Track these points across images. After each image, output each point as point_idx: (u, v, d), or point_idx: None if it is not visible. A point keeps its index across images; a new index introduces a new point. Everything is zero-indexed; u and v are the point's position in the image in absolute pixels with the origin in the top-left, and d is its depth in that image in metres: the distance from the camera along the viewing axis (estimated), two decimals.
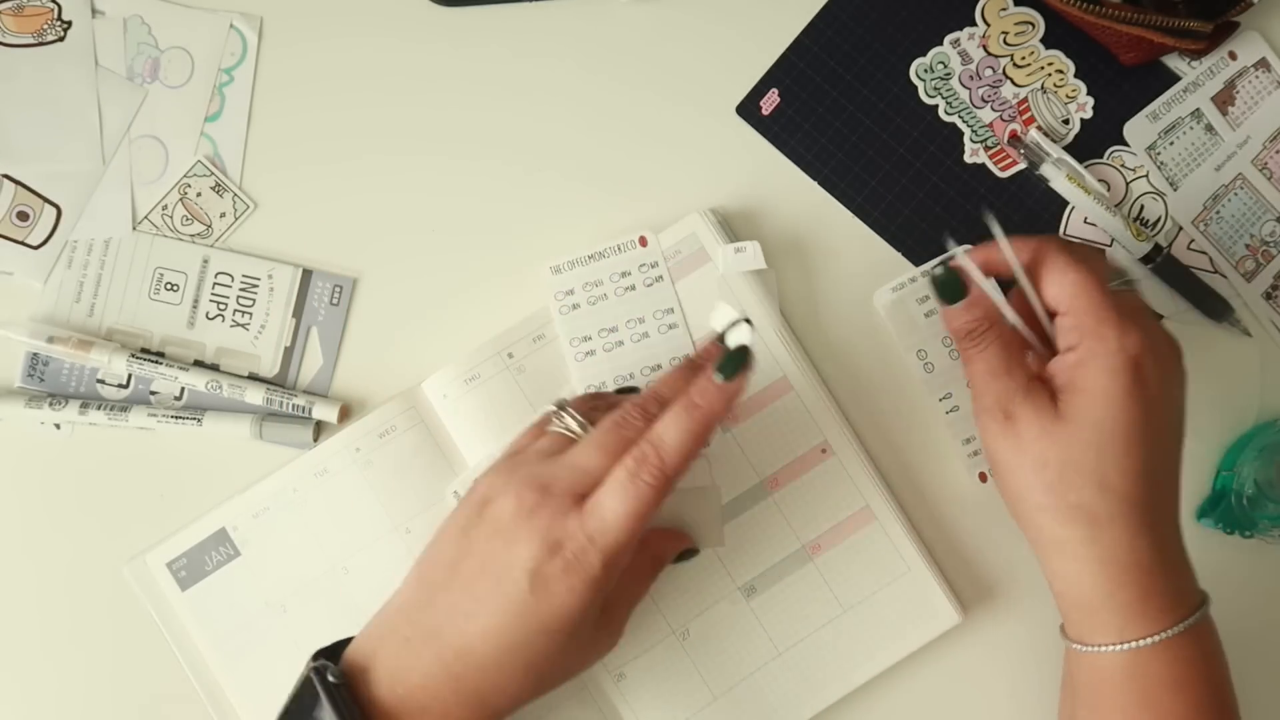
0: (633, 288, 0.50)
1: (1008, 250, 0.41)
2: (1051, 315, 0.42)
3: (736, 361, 0.39)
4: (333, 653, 0.41)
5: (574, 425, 0.42)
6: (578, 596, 0.37)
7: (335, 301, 0.52)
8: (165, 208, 0.52)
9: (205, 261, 0.52)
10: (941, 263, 0.43)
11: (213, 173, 0.52)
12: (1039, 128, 0.52)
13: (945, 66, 0.53)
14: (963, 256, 0.42)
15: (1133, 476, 0.39)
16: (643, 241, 0.50)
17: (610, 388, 0.50)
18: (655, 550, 0.45)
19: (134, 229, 0.52)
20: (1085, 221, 0.52)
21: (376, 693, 0.39)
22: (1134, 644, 0.40)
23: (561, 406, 0.42)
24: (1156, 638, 0.40)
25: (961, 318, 0.42)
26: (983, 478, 0.51)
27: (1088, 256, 0.41)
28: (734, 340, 0.40)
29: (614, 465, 0.38)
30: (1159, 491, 0.41)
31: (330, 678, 0.39)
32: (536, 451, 0.41)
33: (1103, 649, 0.40)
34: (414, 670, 0.39)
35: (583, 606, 0.37)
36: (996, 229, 0.42)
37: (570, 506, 0.38)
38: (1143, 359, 0.39)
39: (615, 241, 0.50)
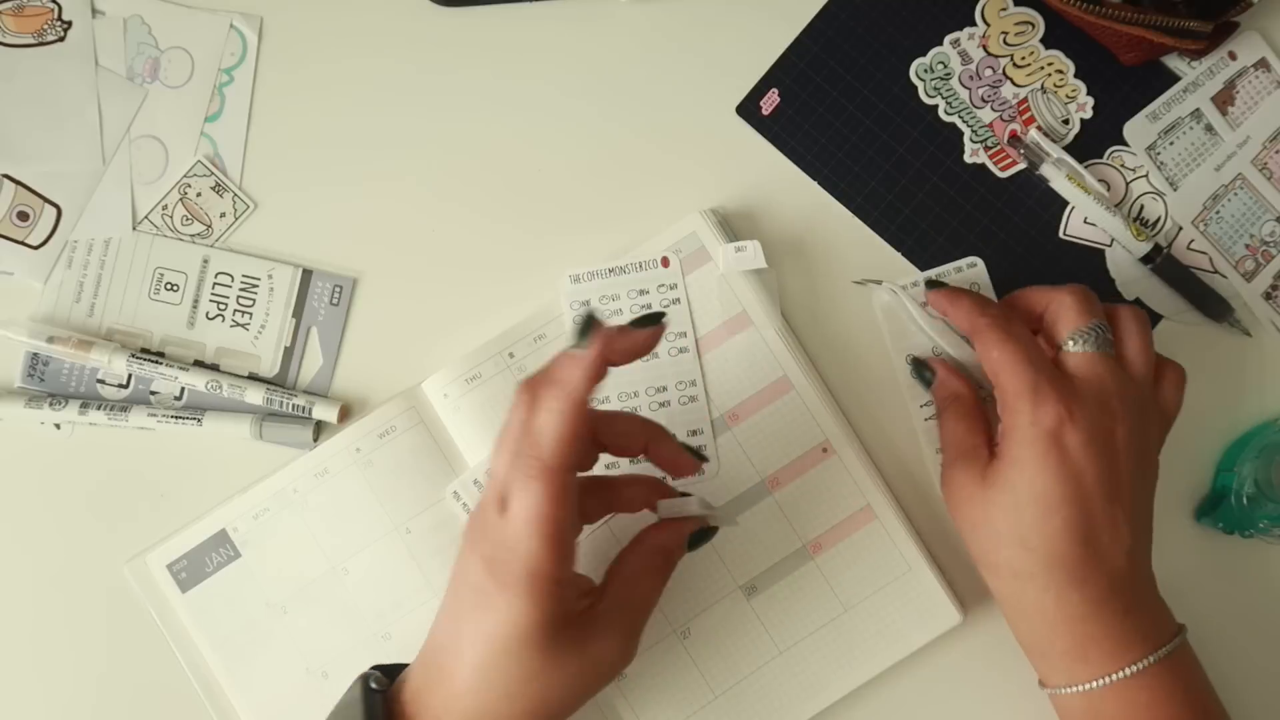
0: (649, 306, 0.50)
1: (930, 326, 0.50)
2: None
3: (584, 327, 0.37)
4: (390, 672, 0.42)
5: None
6: (517, 608, 0.36)
7: (335, 301, 0.52)
8: (165, 208, 0.52)
9: (205, 261, 0.52)
10: (914, 360, 0.50)
11: (213, 173, 0.52)
12: (1039, 128, 0.52)
13: (945, 66, 0.53)
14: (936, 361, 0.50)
15: (1053, 538, 0.42)
16: (665, 262, 0.50)
17: (614, 403, 0.50)
18: (656, 543, 0.42)
19: (134, 229, 0.52)
20: (1085, 221, 0.52)
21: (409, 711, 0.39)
22: (1083, 687, 0.42)
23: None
24: (1105, 680, 0.42)
25: (936, 394, 0.49)
26: None
27: (1022, 332, 0.44)
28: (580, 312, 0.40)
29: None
30: (1093, 548, 0.42)
31: (373, 684, 0.40)
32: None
33: (1059, 690, 0.44)
34: (429, 709, 0.39)
35: (528, 618, 0.36)
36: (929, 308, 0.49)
37: (494, 518, 0.37)
38: (1059, 430, 0.41)
39: (637, 259, 0.50)
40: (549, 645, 0.37)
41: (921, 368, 0.50)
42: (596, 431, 0.41)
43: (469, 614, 0.37)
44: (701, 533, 0.43)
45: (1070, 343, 0.44)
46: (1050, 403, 0.41)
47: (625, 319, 0.49)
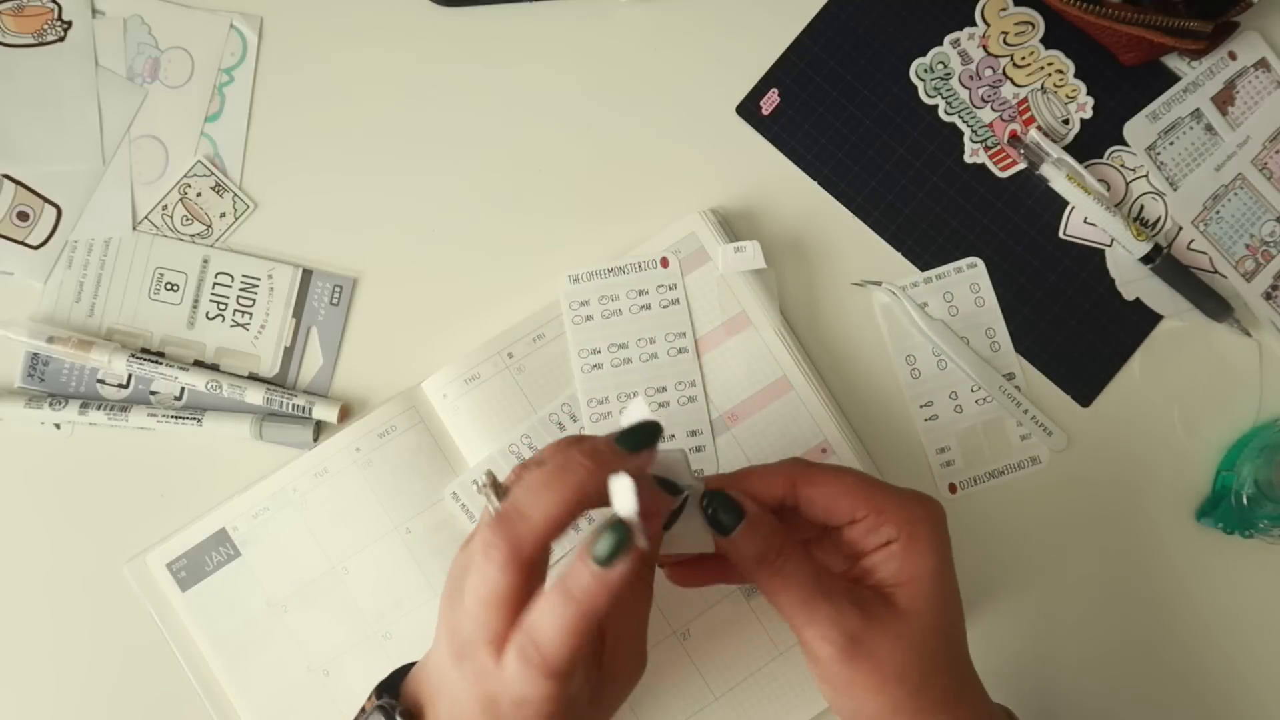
0: (648, 307, 0.50)
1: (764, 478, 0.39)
2: (816, 533, 0.40)
3: (615, 546, 0.32)
4: (392, 684, 0.40)
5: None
6: None
7: (335, 301, 0.52)
8: (165, 208, 0.52)
9: (205, 261, 0.52)
10: (705, 491, 0.38)
11: (213, 173, 0.52)
12: (1039, 128, 0.52)
13: (945, 66, 0.53)
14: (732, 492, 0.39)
15: (963, 639, 0.39)
16: (664, 263, 0.50)
17: (613, 403, 0.50)
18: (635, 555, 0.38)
19: (134, 229, 0.52)
20: (1085, 221, 0.52)
21: None
22: None
23: (490, 483, 0.37)
24: None
25: (749, 545, 0.37)
26: (952, 489, 0.51)
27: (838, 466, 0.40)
28: (622, 507, 0.32)
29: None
30: (970, 666, 0.40)
31: (400, 718, 0.37)
32: (461, 566, 0.37)
33: None
34: None
35: None
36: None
37: (489, 659, 0.34)
38: (943, 523, 0.39)
39: (637, 259, 0.50)
40: None
41: (720, 508, 0.37)
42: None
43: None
44: (672, 514, 0.38)
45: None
46: (929, 498, 0.39)
47: (624, 319, 0.50)
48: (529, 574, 0.34)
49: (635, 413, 0.36)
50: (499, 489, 0.36)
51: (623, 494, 0.32)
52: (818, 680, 0.39)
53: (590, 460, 0.34)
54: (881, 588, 0.38)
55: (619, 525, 0.32)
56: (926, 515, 0.38)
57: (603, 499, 0.34)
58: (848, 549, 0.39)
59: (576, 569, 0.33)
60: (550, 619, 0.33)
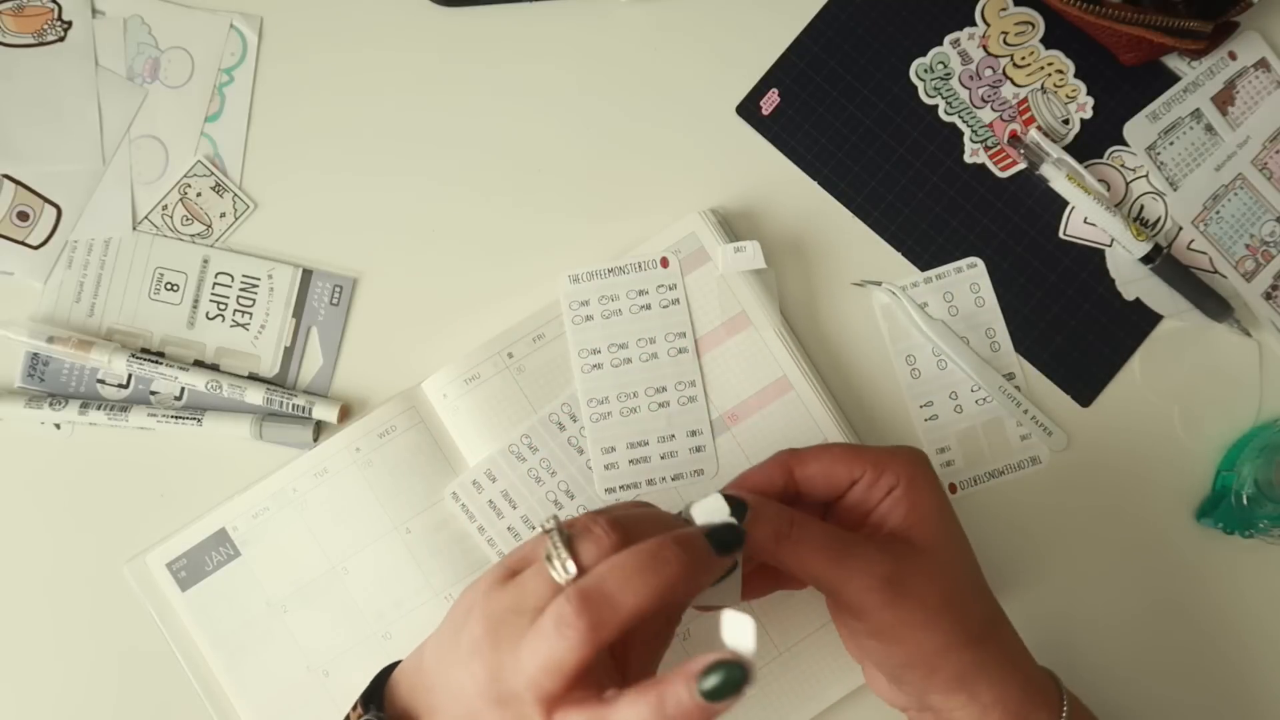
0: (648, 307, 0.50)
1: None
2: (830, 504, 0.42)
3: (729, 687, 0.30)
4: (375, 691, 0.39)
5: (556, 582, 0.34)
6: None
7: (335, 301, 0.52)
8: (165, 208, 0.52)
9: (205, 261, 0.52)
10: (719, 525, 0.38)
11: (213, 173, 0.52)
12: (1039, 128, 0.52)
13: (945, 66, 0.53)
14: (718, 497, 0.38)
15: (978, 566, 0.41)
16: (664, 263, 0.50)
17: (613, 403, 0.50)
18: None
19: (134, 229, 0.52)
20: (1085, 221, 0.52)
21: None
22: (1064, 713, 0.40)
23: (559, 534, 0.35)
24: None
25: (761, 531, 0.37)
26: (952, 489, 0.51)
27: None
28: (742, 644, 0.31)
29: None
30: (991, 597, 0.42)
31: None
32: (507, 608, 0.35)
33: None
34: None
35: None
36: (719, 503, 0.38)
37: (536, 716, 0.33)
38: (930, 465, 0.41)
39: (637, 259, 0.50)
40: None
41: (728, 502, 0.37)
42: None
43: None
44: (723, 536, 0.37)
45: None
46: (909, 447, 0.41)
47: (624, 319, 0.50)
48: (599, 654, 0.33)
49: (711, 507, 0.36)
50: (566, 539, 0.34)
51: (742, 631, 0.31)
52: (860, 640, 0.40)
53: (686, 555, 0.33)
54: (897, 533, 0.39)
55: (736, 666, 0.30)
56: (918, 459, 0.41)
57: (689, 594, 0.34)
58: (853, 511, 0.41)
59: (679, 690, 0.31)
60: None
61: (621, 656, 0.37)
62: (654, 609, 0.32)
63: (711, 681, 0.31)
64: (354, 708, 0.38)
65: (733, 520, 0.36)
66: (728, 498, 0.37)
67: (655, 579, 0.32)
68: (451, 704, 0.35)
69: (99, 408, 0.50)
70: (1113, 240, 0.52)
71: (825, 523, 0.39)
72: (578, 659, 0.32)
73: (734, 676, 0.30)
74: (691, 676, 0.31)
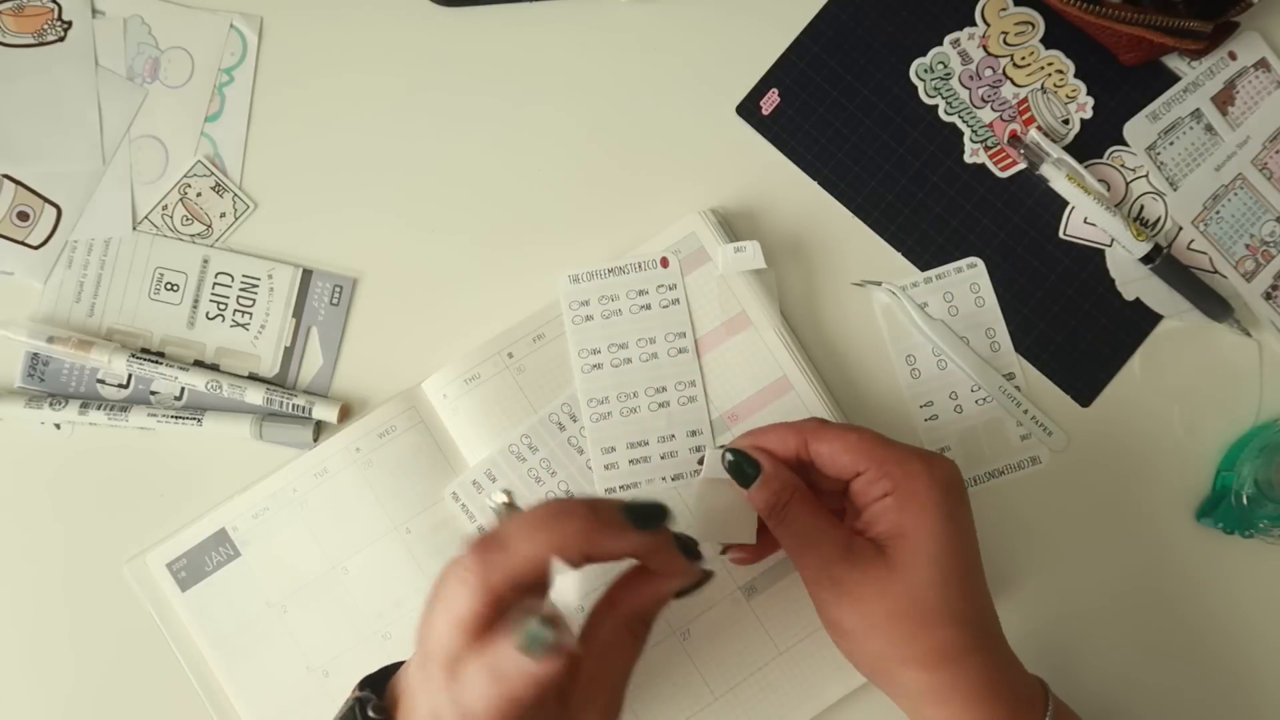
0: (648, 307, 0.50)
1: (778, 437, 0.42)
2: (840, 487, 0.42)
3: (533, 642, 0.31)
4: (379, 679, 0.40)
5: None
6: None
7: (335, 301, 0.52)
8: (165, 208, 0.52)
9: (205, 261, 0.52)
10: (725, 449, 0.42)
11: (213, 173, 0.52)
12: (1039, 128, 0.52)
13: (945, 66, 0.53)
14: (741, 440, 0.43)
15: (974, 599, 0.39)
16: (664, 263, 0.50)
17: (613, 403, 0.50)
18: (633, 611, 0.40)
19: (134, 229, 0.52)
20: (1085, 221, 0.52)
21: None
22: None
23: (507, 503, 0.37)
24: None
25: (762, 496, 0.41)
26: None
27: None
28: (563, 594, 0.34)
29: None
30: (989, 604, 0.41)
31: (371, 713, 0.37)
32: (443, 575, 0.36)
33: None
34: None
35: None
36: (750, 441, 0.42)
37: (440, 677, 0.34)
38: (952, 482, 0.40)
39: (636, 259, 0.50)
40: None
41: (742, 465, 0.42)
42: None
43: None
44: (692, 587, 0.40)
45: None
46: (938, 458, 0.39)
47: (624, 319, 0.50)
48: (495, 606, 0.33)
49: (714, 460, 0.41)
50: (512, 511, 0.36)
51: (566, 583, 0.32)
52: (822, 621, 0.42)
53: (590, 517, 0.34)
54: (879, 540, 0.39)
55: (546, 622, 0.31)
56: (928, 470, 0.39)
57: (585, 558, 0.34)
58: (855, 502, 0.41)
59: (505, 648, 0.32)
60: (477, 690, 0.33)
61: (574, 670, 0.38)
62: (546, 559, 0.33)
63: (520, 638, 0.31)
64: (354, 687, 0.39)
65: (661, 503, 0.37)
66: (745, 455, 0.41)
67: (551, 532, 0.34)
68: (406, 680, 0.37)
69: (99, 408, 0.50)
70: (1113, 240, 0.52)
71: (813, 511, 0.40)
72: (472, 608, 0.33)
73: (540, 635, 0.31)
74: (510, 635, 0.32)
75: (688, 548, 0.40)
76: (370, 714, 0.37)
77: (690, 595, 0.41)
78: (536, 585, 0.34)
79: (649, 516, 0.36)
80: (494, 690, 0.33)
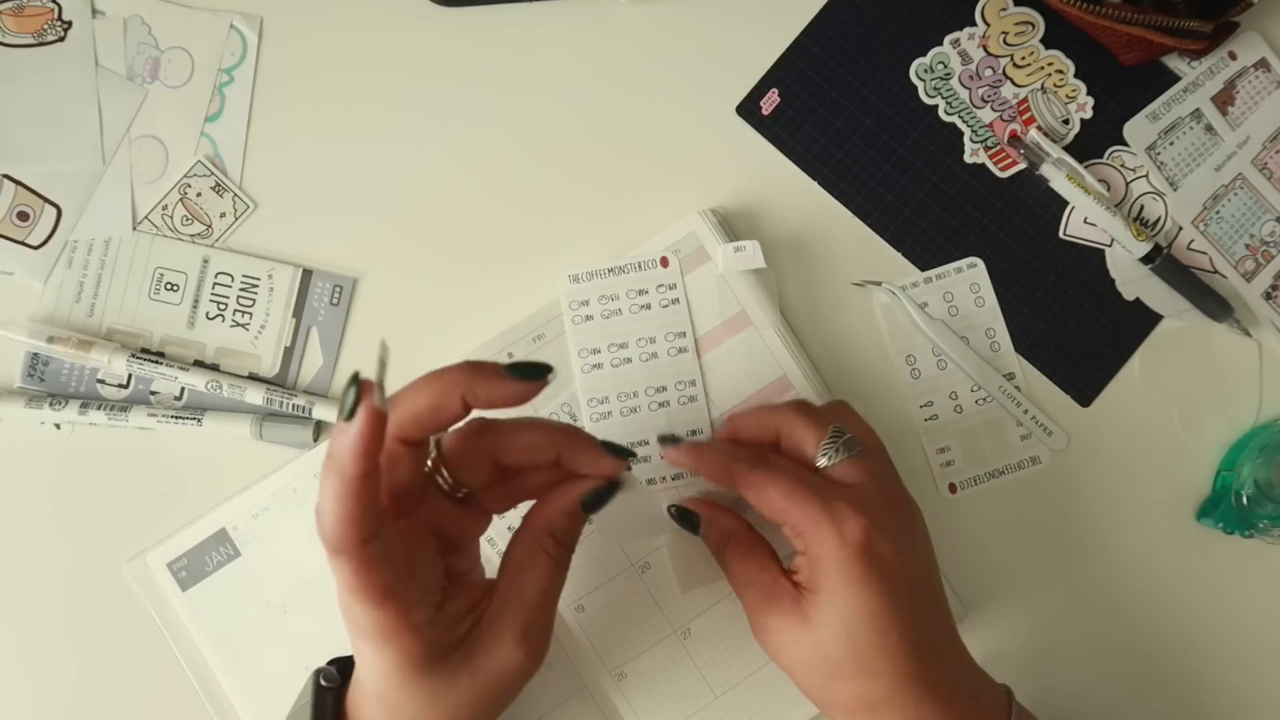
0: (648, 306, 0.50)
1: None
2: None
3: (350, 389, 0.32)
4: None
5: None
6: (383, 655, 0.36)
7: (335, 301, 0.52)
8: (165, 208, 0.52)
9: (205, 261, 0.52)
10: (669, 505, 0.45)
11: (213, 173, 0.52)
12: (1039, 128, 0.52)
13: (945, 66, 0.53)
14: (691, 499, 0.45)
15: (895, 654, 0.38)
16: (664, 262, 0.50)
17: (614, 403, 0.50)
18: (540, 523, 0.39)
19: (134, 229, 0.52)
20: (1085, 221, 0.52)
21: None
22: None
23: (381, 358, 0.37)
24: None
25: (709, 538, 0.44)
26: (952, 489, 0.51)
27: (788, 466, 0.41)
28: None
29: None
30: (929, 650, 0.39)
31: (323, 680, 0.40)
32: None
33: None
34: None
35: (395, 662, 0.36)
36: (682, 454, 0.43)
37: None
38: (869, 542, 0.38)
39: (636, 259, 0.50)
40: (433, 676, 0.36)
41: (685, 516, 0.44)
42: (494, 450, 0.39)
43: (356, 648, 0.38)
44: (598, 493, 0.39)
45: (824, 458, 0.41)
46: (851, 518, 0.39)
47: (624, 319, 0.50)
48: (374, 463, 0.33)
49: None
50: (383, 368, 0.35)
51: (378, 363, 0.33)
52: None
53: (467, 370, 0.35)
54: (800, 588, 0.40)
55: (354, 379, 0.32)
56: (835, 536, 0.38)
57: (463, 404, 0.35)
58: (790, 542, 0.42)
59: (332, 432, 0.34)
60: (322, 495, 0.33)
61: (489, 590, 0.39)
62: (428, 408, 0.35)
63: (343, 403, 0.33)
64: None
65: (542, 364, 0.37)
66: (682, 509, 0.44)
67: (433, 381, 0.36)
68: None
69: (99, 408, 0.50)
70: (1113, 240, 0.52)
71: (750, 550, 0.43)
72: (356, 465, 0.32)
73: (353, 387, 0.32)
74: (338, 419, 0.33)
75: (618, 450, 0.40)
76: (322, 682, 0.40)
77: (600, 508, 0.39)
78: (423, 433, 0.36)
79: (527, 370, 0.36)
80: (329, 485, 0.33)
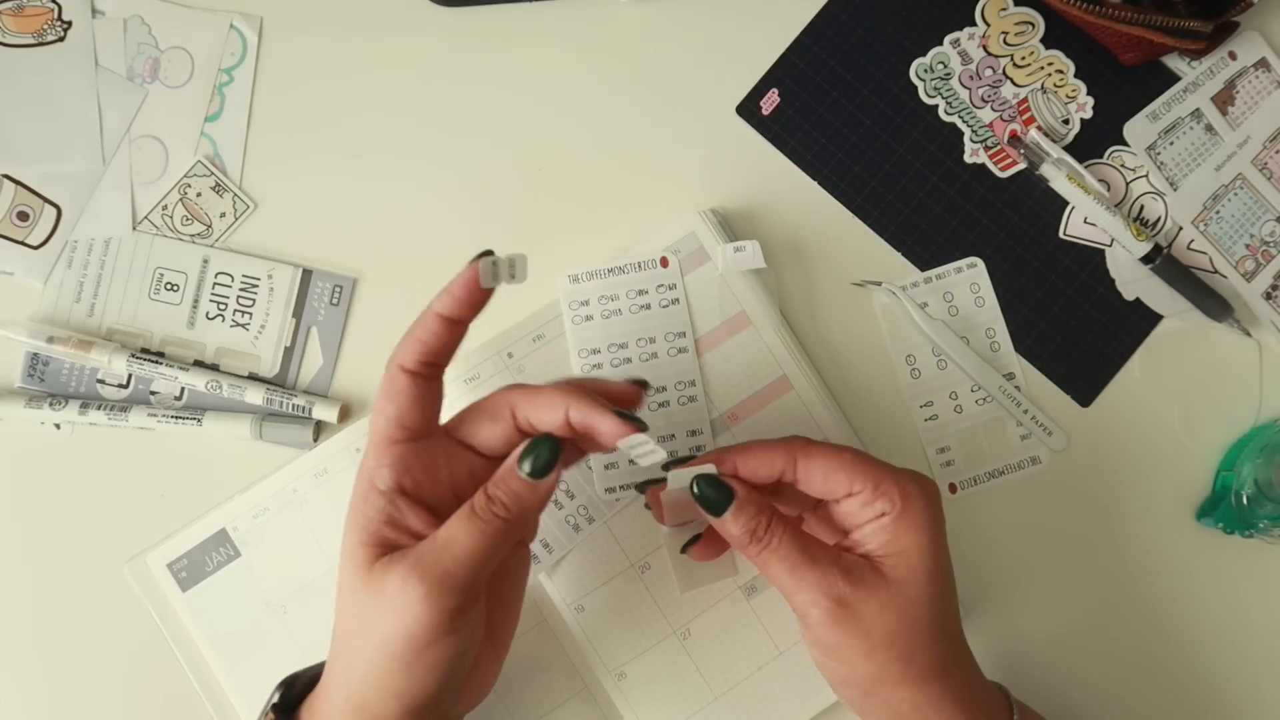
0: (648, 306, 0.50)
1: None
2: (810, 505, 0.43)
3: (545, 458, 0.37)
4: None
5: None
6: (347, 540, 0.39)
7: (335, 301, 0.52)
8: (165, 208, 0.52)
9: (205, 261, 0.52)
10: (695, 477, 0.39)
11: (213, 173, 0.52)
12: (1039, 128, 0.52)
13: (945, 66, 0.53)
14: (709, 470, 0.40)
15: (956, 613, 0.40)
16: (664, 262, 0.50)
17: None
18: (483, 484, 0.38)
19: (134, 229, 0.52)
20: (1085, 221, 0.52)
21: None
22: None
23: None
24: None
25: (738, 524, 0.39)
26: (952, 489, 0.51)
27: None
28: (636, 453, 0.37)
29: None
30: (962, 638, 0.41)
31: (276, 693, 0.40)
32: None
33: None
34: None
35: (351, 542, 0.38)
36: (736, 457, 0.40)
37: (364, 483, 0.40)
38: (938, 502, 0.40)
39: (636, 259, 0.50)
40: (357, 563, 0.37)
41: (715, 490, 0.39)
42: (514, 408, 0.39)
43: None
44: (531, 450, 0.38)
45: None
46: (915, 475, 0.40)
47: (624, 319, 0.50)
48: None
49: (682, 479, 0.39)
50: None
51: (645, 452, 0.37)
52: (809, 646, 0.40)
53: (443, 293, 0.40)
54: (871, 557, 0.39)
55: (486, 251, 0.37)
56: (921, 491, 0.39)
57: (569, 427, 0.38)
58: (841, 522, 0.41)
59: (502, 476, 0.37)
60: (460, 529, 0.36)
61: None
62: (452, 294, 0.39)
63: (531, 460, 0.37)
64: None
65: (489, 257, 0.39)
66: (716, 481, 0.39)
67: (435, 303, 0.39)
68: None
69: (99, 408, 0.50)
70: (1113, 240, 0.52)
71: (796, 532, 0.39)
72: (440, 302, 0.38)
73: (543, 456, 0.37)
74: (514, 466, 0.38)
75: (629, 417, 0.38)
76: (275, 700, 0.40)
77: (542, 473, 0.38)
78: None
79: (492, 271, 0.39)
80: (418, 321, 0.39)
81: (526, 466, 0.37)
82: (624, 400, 0.41)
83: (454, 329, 0.38)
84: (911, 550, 0.39)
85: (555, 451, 0.38)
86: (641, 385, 0.41)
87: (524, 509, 0.37)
